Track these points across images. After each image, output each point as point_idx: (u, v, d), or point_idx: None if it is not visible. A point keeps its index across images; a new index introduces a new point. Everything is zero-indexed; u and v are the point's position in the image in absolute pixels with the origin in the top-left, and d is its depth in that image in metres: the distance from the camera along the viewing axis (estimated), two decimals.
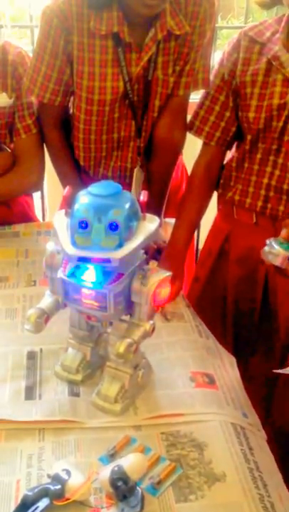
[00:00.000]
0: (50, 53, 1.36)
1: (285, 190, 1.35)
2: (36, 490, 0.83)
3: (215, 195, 1.53)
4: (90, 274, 0.93)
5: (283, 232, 1.11)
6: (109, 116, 1.42)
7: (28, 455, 0.93)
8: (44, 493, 0.82)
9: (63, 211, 0.95)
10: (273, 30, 1.33)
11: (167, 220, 1.58)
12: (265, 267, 1.40)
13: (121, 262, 0.88)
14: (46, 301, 1.02)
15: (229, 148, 1.48)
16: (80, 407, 1.02)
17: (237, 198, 1.43)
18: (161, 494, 0.86)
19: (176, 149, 1.56)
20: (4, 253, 1.54)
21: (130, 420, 1.00)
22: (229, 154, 1.49)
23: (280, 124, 1.31)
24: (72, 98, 1.46)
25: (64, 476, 0.83)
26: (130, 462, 0.86)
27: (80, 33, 1.32)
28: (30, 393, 1.05)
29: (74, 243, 0.90)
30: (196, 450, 0.94)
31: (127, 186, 1.48)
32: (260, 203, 1.40)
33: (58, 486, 0.82)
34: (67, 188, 0.94)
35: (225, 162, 1.49)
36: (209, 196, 1.51)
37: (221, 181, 1.48)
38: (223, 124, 1.42)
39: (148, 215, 0.96)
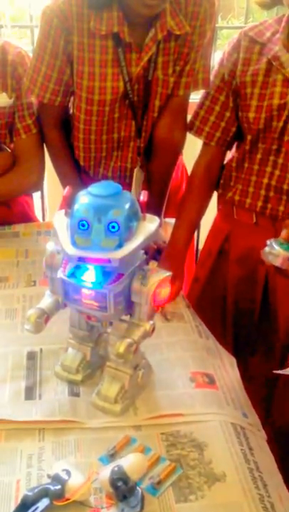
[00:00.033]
0: (50, 53, 1.36)
1: (285, 191, 1.35)
2: (36, 490, 0.83)
3: (215, 195, 1.53)
4: (89, 274, 0.93)
5: (283, 233, 1.11)
6: (110, 117, 1.42)
7: (28, 455, 0.93)
8: (44, 493, 0.82)
9: (63, 211, 0.95)
10: (273, 31, 1.33)
11: (167, 220, 1.58)
12: (265, 267, 1.40)
13: (121, 262, 0.88)
14: (46, 301, 1.02)
15: (229, 148, 1.48)
16: (80, 407, 1.02)
17: (237, 198, 1.43)
18: (161, 494, 0.86)
19: (176, 149, 1.56)
20: (4, 253, 1.54)
21: (130, 420, 1.00)
22: (229, 154, 1.50)
23: (280, 124, 1.31)
24: (72, 98, 1.46)
25: (64, 476, 0.83)
26: (130, 462, 0.86)
27: (80, 33, 1.32)
28: (30, 393, 1.05)
29: (74, 243, 0.90)
30: (196, 450, 0.94)
31: (127, 186, 1.48)
32: (260, 203, 1.40)
33: (58, 486, 0.82)
34: (67, 188, 0.94)
35: (225, 162, 1.49)
36: (209, 196, 1.51)
37: (221, 181, 1.48)
38: (223, 124, 1.42)
39: (148, 216, 0.96)
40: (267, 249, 1.10)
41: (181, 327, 1.26)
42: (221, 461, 0.92)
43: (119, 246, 0.89)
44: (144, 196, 0.94)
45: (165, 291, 0.98)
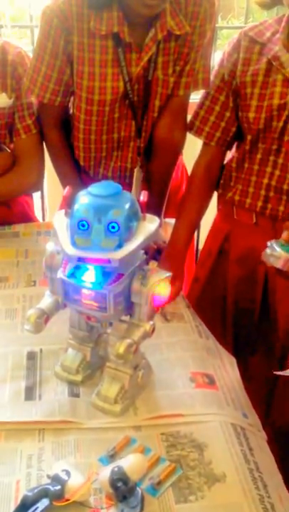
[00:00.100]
0: (50, 53, 1.36)
1: (285, 191, 1.35)
2: (36, 490, 0.83)
3: (215, 195, 1.53)
4: (89, 275, 0.93)
5: (284, 235, 1.11)
6: (110, 117, 1.42)
7: (28, 455, 0.93)
8: (44, 493, 0.82)
9: (63, 211, 0.94)
10: (273, 31, 1.33)
11: (167, 220, 1.58)
12: (264, 267, 1.40)
13: (121, 262, 0.88)
14: (46, 301, 1.02)
15: (229, 148, 1.48)
16: (80, 407, 1.02)
17: (237, 198, 1.43)
18: (161, 495, 0.86)
19: (176, 149, 1.56)
20: (4, 253, 1.53)
21: (130, 421, 1.00)
22: (229, 154, 1.49)
23: (280, 124, 1.31)
24: (72, 98, 1.46)
25: (64, 476, 0.83)
26: (130, 463, 0.86)
27: (80, 33, 1.32)
28: (30, 394, 1.05)
29: (74, 243, 0.89)
30: (196, 451, 0.94)
31: (127, 186, 1.48)
32: (260, 203, 1.40)
33: (58, 487, 0.82)
34: (67, 188, 0.94)
35: (225, 162, 1.49)
36: (209, 196, 1.51)
37: (221, 181, 1.48)
38: (223, 124, 1.42)
39: (148, 216, 0.96)
40: (268, 250, 1.10)
41: (181, 327, 1.26)
42: (221, 461, 0.92)
43: (119, 246, 0.89)
44: (144, 196, 0.94)
45: (165, 292, 0.98)
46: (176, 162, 1.58)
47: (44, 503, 0.81)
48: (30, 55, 1.46)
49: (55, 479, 0.83)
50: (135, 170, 1.51)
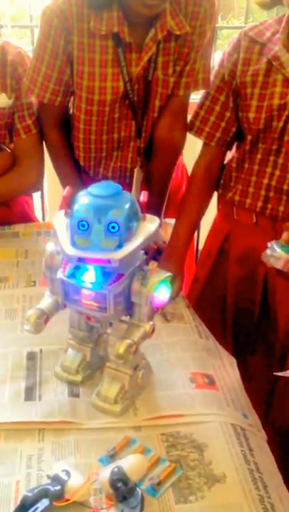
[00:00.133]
0: (50, 53, 1.36)
1: (285, 191, 1.35)
2: (36, 491, 0.83)
3: (215, 195, 1.53)
4: (89, 275, 0.93)
5: (284, 235, 1.11)
6: (110, 117, 1.42)
7: (28, 456, 0.93)
8: (44, 494, 0.82)
9: (63, 211, 0.94)
10: (273, 31, 1.33)
11: (167, 220, 1.58)
12: (264, 268, 1.40)
13: (121, 262, 0.88)
14: (46, 301, 1.02)
15: (229, 148, 1.48)
16: (80, 407, 1.02)
17: (237, 198, 1.43)
18: (161, 495, 0.86)
19: (177, 150, 1.56)
20: (4, 253, 1.53)
21: (130, 421, 1.00)
22: (229, 155, 1.49)
23: (280, 124, 1.31)
24: (72, 98, 1.46)
25: (64, 476, 0.83)
26: (130, 463, 0.86)
27: (80, 33, 1.32)
28: (30, 394, 1.05)
29: (74, 244, 0.89)
30: (196, 451, 0.94)
31: (127, 187, 1.48)
32: (260, 204, 1.40)
33: (58, 487, 0.82)
34: (67, 188, 0.94)
35: (225, 162, 1.49)
36: (209, 196, 1.51)
37: (221, 181, 1.48)
38: (223, 124, 1.42)
39: (148, 216, 0.95)
40: (268, 251, 1.10)
41: (181, 327, 1.26)
42: (221, 462, 0.92)
43: (119, 246, 0.89)
44: (144, 196, 0.94)
45: (165, 292, 0.98)
46: (176, 162, 1.58)
47: (44, 503, 0.81)
48: (30, 55, 1.46)
49: (55, 479, 0.83)
50: (135, 170, 1.51)
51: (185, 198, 1.51)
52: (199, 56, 1.40)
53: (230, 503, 0.86)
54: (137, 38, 1.33)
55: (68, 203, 0.92)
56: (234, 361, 1.20)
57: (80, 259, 0.89)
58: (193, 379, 1.10)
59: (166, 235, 1.51)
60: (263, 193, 1.39)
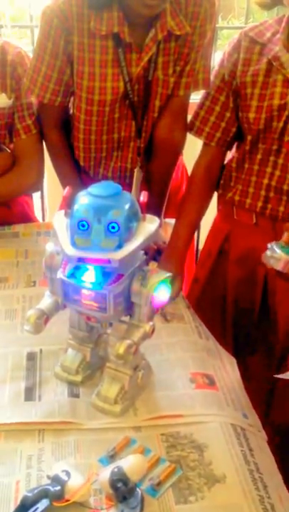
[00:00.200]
0: (50, 53, 1.36)
1: (285, 191, 1.35)
2: (36, 491, 0.83)
3: (215, 195, 1.53)
4: (89, 275, 0.93)
5: (285, 236, 1.11)
6: (110, 117, 1.42)
7: (28, 456, 0.92)
8: (44, 494, 0.82)
9: (63, 211, 0.94)
10: (274, 31, 1.33)
11: (167, 220, 1.58)
12: (264, 268, 1.40)
13: (121, 262, 0.88)
14: (46, 301, 1.02)
15: (229, 148, 1.48)
16: (80, 408, 1.02)
17: (237, 198, 1.43)
18: (161, 495, 0.86)
19: (177, 150, 1.56)
20: (4, 253, 1.53)
21: (130, 421, 1.00)
22: (229, 155, 1.49)
23: (281, 124, 1.31)
24: (72, 98, 1.46)
25: (64, 477, 0.83)
26: (130, 463, 0.86)
27: (80, 33, 1.32)
28: (29, 394, 1.05)
29: (74, 244, 0.89)
30: (196, 451, 0.94)
31: (127, 187, 1.48)
32: (260, 204, 1.40)
33: (58, 487, 0.82)
34: (67, 188, 0.94)
35: (225, 162, 1.49)
36: (209, 197, 1.51)
37: (221, 182, 1.48)
38: (223, 124, 1.42)
39: (148, 216, 0.95)
40: (268, 252, 1.10)
41: (181, 328, 1.26)
42: (221, 462, 0.92)
43: (119, 246, 0.89)
44: (144, 197, 0.94)
45: (165, 292, 0.98)
46: (176, 162, 1.58)
47: (44, 503, 0.81)
48: (30, 55, 1.46)
49: (55, 480, 0.83)
50: (135, 170, 1.51)
51: (185, 198, 1.51)
52: (199, 56, 1.40)
53: (230, 504, 0.86)
54: (137, 38, 1.33)
55: (68, 203, 0.92)
56: (234, 361, 1.20)
57: (80, 259, 0.89)
58: (193, 379, 1.10)
59: (166, 235, 1.51)
60: (263, 193, 1.38)
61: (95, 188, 0.92)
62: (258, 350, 1.54)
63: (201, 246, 1.71)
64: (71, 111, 1.49)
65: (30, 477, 0.89)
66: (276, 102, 1.30)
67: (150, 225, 0.95)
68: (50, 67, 1.37)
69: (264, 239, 1.24)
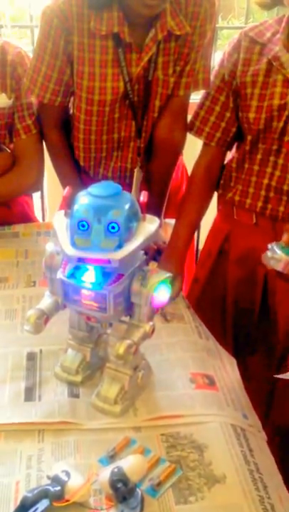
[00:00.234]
0: (50, 53, 1.36)
1: (285, 191, 1.35)
2: (36, 491, 0.83)
3: (215, 195, 1.53)
4: (89, 275, 0.93)
5: (285, 237, 1.11)
6: (110, 117, 1.42)
7: (28, 456, 0.92)
8: (43, 494, 0.82)
9: (63, 212, 0.94)
10: (274, 31, 1.33)
11: (167, 220, 1.58)
12: (264, 268, 1.39)
13: (121, 262, 0.88)
14: (46, 301, 1.02)
15: (229, 148, 1.48)
16: (80, 408, 1.02)
17: (237, 198, 1.43)
18: (161, 496, 0.86)
19: (177, 150, 1.56)
20: (4, 254, 1.53)
21: (130, 421, 1.00)
22: (229, 155, 1.49)
23: (281, 124, 1.31)
24: (72, 98, 1.46)
25: (64, 477, 0.83)
26: (130, 464, 0.86)
27: (80, 33, 1.32)
28: (29, 394, 1.05)
29: (73, 244, 0.89)
30: (196, 451, 0.94)
31: (127, 187, 1.48)
32: (260, 204, 1.40)
33: (58, 488, 0.82)
34: (67, 188, 0.94)
35: (225, 163, 1.49)
36: (209, 197, 1.51)
37: (221, 182, 1.48)
38: (223, 124, 1.42)
39: (148, 216, 0.95)
40: (268, 253, 1.10)
41: (181, 328, 1.26)
42: (221, 462, 0.92)
43: (119, 247, 0.89)
44: (144, 197, 0.94)
45: (165, 293, 0.97)
46: (176, 162, 1.58)
47: (44, 503, 0.81)
48: (30, 55, 1.45)
49: (55, 480, 0.83)
50: (135, 170, 1.51)
51: (185, 198, 1.51)
52: (199, 56, 1.40)
53: (230, 504, 0.86)
54: (137, 38, 1.33)
55: (68, 203, 0.92)
56: (234, 361, 1.20)
57: (80, 260, 0.89)
58: (193, 379, 1.10)
59: (166, 235, 1.51)
60: (263, 193, 1.38)
61: (95, 188, 0.92)
62: (258, 350, 1.54)
63: (201, 246, 1.71)
64: (71, 111, 1.49)
65: (30, 477, 0.88)
66: (276, 102, 1.29)
67: (150, 225, 0.95)
68: (50, 67, 1.37)
69: (264, 239, 1.24)
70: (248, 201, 1.41)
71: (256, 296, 1.48)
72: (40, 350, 1.15)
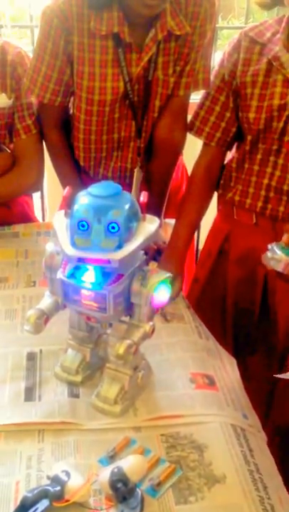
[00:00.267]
0: (50, 53, 1.36)
1: (285, 191, 1.35)
2: (36, 491, 0.83)
3: (215, 195, 1.53)
4: (89, 275, 0.93)
5: (285, 238, 1.11)
6: (110, 117, 1.42)
7: (28, 456, 0.92)
8: (43, 494, 0.82)
9: (63, 212, 0.94)
10: (274, 31, 1.33)
11: (167, 220, 1.58)
12: (264, 268, 1.39)
13: (121, 263, 0.88)
14: (46, 301, 1.02)
15: (229, 148, 1.48)
16: (80, 408, 1.02)
17: (237, 198, 1.43)
18: (161, 496, 0.86)
19: (177, 150, 1.56)
20: (4, 254, 1.53)
21: (130, 422, 1.00)
22: (229, 155, 1.49)
23: (281, 124, 1.31)
24: (72, 98, 1.46)
25: (63, 477, 0.83)
26: (130, 464, 0.86)
27: (80, 33, 1.32)
28: (29, 394, 1.05)
29: (73, 244, 0.89)
30: (196, 452, 0.94)
31: (127, 187, 1.48)
32: (260, 204, 1.40)
33: (58, 488, 0.82)
34: (67, 188, 0.94)
35: (225, 163, 1.49)
36: (209, 197, 1.51)
37: (221, 182, 1.48)
38: (223, 124, 1.42)
39: (148, 216, 0.95)
40: (269, 254, 1.10)
41: (181, 328, 1.26)
42: (221, 462, 0.92)
43: (119, 247, 0.89)
44: (144, 197, 0.94)
45: (165, 293, 0.97)
46: (176, 162, 1.58)
47: (44, 504, 0.81)
48: (30, 55, 1.45)
49: (55, 480, 0.83)
50: (135, 170, 1.51)
51: (185, 199, 1.51)
52: (199, 56, 1.40)
53: (230, 504, 0.86)
54: (137, 38, 1.33)
55: (68, 203, 0.92)
56: (234, 361, 1.20)
57: (80, 260, 0.89)
58: (193, 379, 1.10)
59: (166, 235, 1.51)
60: (263, 193, 1.38)
61: (95, 188, 0.92)
62: (258, 350, 1.54)
63: (201, 246, 1.71)
64: (71, 111, 1.49)
65: (30, 477, 0.88)
66: (276, 102, 1.29)
67: (150, 225, 0.95)
68: (50, 67, 1.37)
69: (264, 239, 1.24)
70: (248, 201, 1.41)
71: (256, 296, 1.48)
72: (40, 350, 1.15)
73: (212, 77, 1.43)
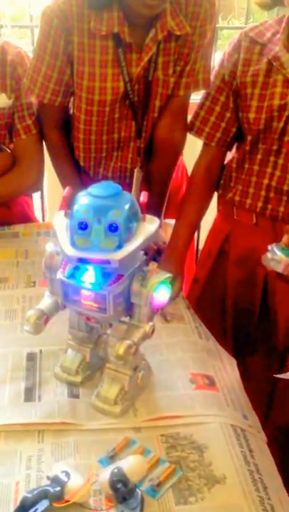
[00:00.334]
0: (50, 53, 1.36)
1: (286, 191, 1.35)
2: (35, 492, 0.83)
3: (215, 195, 1.53)
4: (89, 276, 0.93)
5: (285, 238, 1.11)
6: (110, 117, 1.42)
7: (28, 457, 0.92)
8: (43, 495, 0.82)
9: (63, 212, 0.94)
10: (274, 31, 1.33)
11: (167, 221, 1.58)
12: (264, 269, 1.39)
13: (120, 263, 0.88)
14: (46, 302, 1.02)
15: (229, 149, 1.48)
16: (80, 408, 1.02)
17: (237, 198, 1.43)
18: (161, 496, 0.86)
19: (177, 150, 1.56)
20: (4, 254, 1.53)
21: (130, 422, 1.00)
22: (229, 155, 1.49)
23: (281, 124, 1.30)
24: (72, 98, 1.46)
25: (63, 477, 0.83)
26: (130, 464, 0.86)
27: (80, 33, 1.32)
28: (29, 395, 1.05)
29: (73, 244, 0.89)
30: (196, 452, 0.94)
31: (127, 187, 1.47)
32: (260, 204, 1.39)
33: (58, 488, 0.82)
34: (67, 188, 0.93)
35: (225, 163, 1.49)
36: (209, 197, 1.51)
37: (221, 182, 1.48)
38: (223, 124, 1.42)
39: (148, 216, 0.95)
40: (269, 255, 1.09)
41: (181, 328, 1.26)
42: (221, 463, 0.92)
43: (119, 247, 0.89)
44: (144, 197, 0.94)
45: (165, 293, 0.97)
46: (176, 162, 1.58)
47: (44, 504, 0.81)
48: (30, 55, 1.45)
49: (55, 480, 0.83)
50: (135, 170, 1.51)
51: (185, 199, 1.51)
52: (199, 56, 1.40)
53: (230, 504, 0.86)
54: (137, 39, 1.33)
55: (68, 204, 0.92)
56: (234, 362, 1.20)
57: (80, 260, 0.89)
58: (193, 380, 1.10)
59: (166, 235, 1.51)
60: (263, 193, 1.38)
61: (94, 189, 0.92)
62: (258, 350, 1.54)
63: (201, 246, 1.71)
64: (71, 111, 1.49)
65: (29, 478, 0.88)
66: (276, 102, 1.29)
67: (150, 225, 0.95)
68: (50, 67, 1.37)
69: (264, 239, 1.24)
70: (248, 201, 1.41)
71: (256, 297, 1.48)
72: (40, 351, 1.15)
73: (212, 78, 1.43)
